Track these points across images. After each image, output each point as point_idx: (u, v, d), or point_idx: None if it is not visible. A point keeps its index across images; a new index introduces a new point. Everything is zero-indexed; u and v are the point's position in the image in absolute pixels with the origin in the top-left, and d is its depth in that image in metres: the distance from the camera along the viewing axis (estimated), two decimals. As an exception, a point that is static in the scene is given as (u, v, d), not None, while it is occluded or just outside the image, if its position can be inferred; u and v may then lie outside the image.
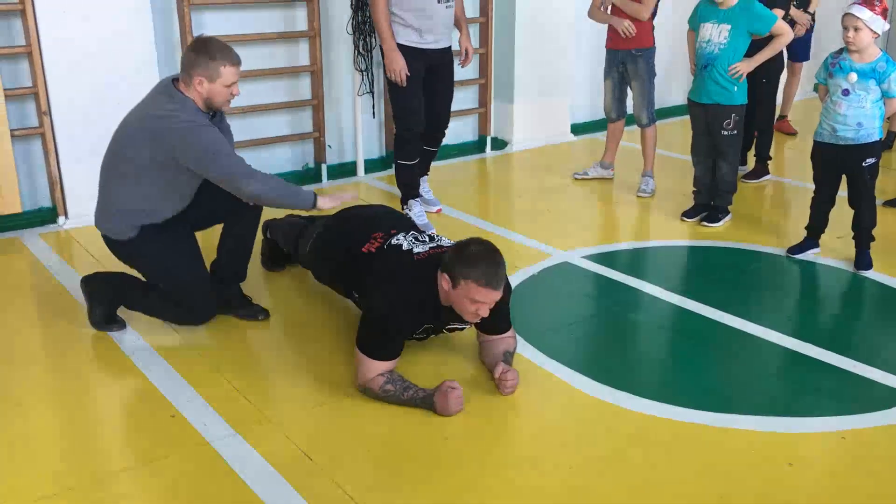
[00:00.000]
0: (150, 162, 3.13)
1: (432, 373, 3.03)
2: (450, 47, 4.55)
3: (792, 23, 6.08)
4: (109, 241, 3.34)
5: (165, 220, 3.27)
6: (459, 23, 4.62)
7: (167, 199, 3.24)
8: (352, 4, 5.27)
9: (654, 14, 5.05)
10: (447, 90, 4.65)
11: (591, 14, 5.21)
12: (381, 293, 2.94)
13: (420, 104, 4.48)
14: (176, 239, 3.31)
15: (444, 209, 4.87)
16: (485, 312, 2.78)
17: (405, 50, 4.33)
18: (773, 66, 5.00)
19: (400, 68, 4.29)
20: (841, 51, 3.95)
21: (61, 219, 4.64)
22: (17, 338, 3.41)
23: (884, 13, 3.83)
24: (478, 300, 2.74)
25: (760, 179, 5.54)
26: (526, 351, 3.25)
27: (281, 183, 3.23)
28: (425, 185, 4.89)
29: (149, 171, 3.16)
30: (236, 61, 3.16)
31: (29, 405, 2.92)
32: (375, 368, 2.86)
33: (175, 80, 3.19)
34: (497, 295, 2.77)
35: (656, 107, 5.27)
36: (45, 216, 4.68)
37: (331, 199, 3.31)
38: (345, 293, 3.37)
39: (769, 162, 5.59)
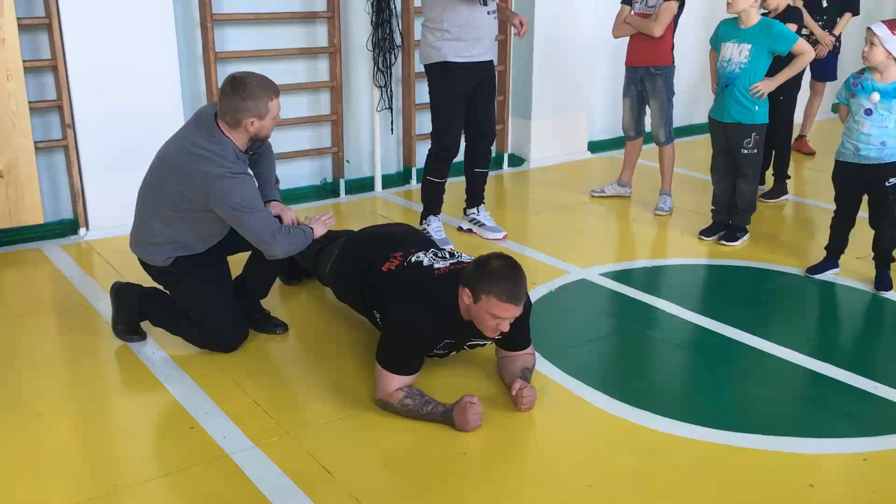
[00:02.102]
0: (184, 202, 3.14)
1: (451, 388, 3.03)
2: (492, 60, 4.52)
3: (815, 42, 6.10)
4: (144, 264, 3.37)
5: (199, 252, 3.29)
6: (501, 8, 4.53)
7: (200, 236, 3.26)
8: (371, 21, 5.31)
9: (673, 33, 5.06)
10: (490, 103, 4.59)
11: (616, 32, 5.21)
12: (402, 308, 2.95)
13: (461, 122, 4.47)
14: (208, 269, 3.32)
15: (461, 225, 4.87)
16: (505, 327, 2.79)
17: (459, 67, 4.30)
18: (791, 84, 4.99)
19: None
20: (863, 71, 3.95)
21: (82, 230, 4.69)
22: (38, 348, 3.44)
23: (907, 37, 3.82)
24: (498, 315, 2.74)
25: (779, 199, 5.52)
26: (544, 367, 3.25)
27: (299, 238, 3.27)
28: (483, 213, 4.80)
29: (183, 210, 3.17)
30: (278, 91, 3.17)
31: (50, 415, 2.94)
32: (395, 383, 2.87)
33: (216, 113, 3.17)
34: (518, 310, 2.77)
35: (679, 125, 5.26)
36: (67, 228, 4.73)
37: (319, 224, 3.39)
38: (366, 313, 3.37)
39: (788, 181, 5.58)
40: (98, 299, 3.85)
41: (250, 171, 3.22)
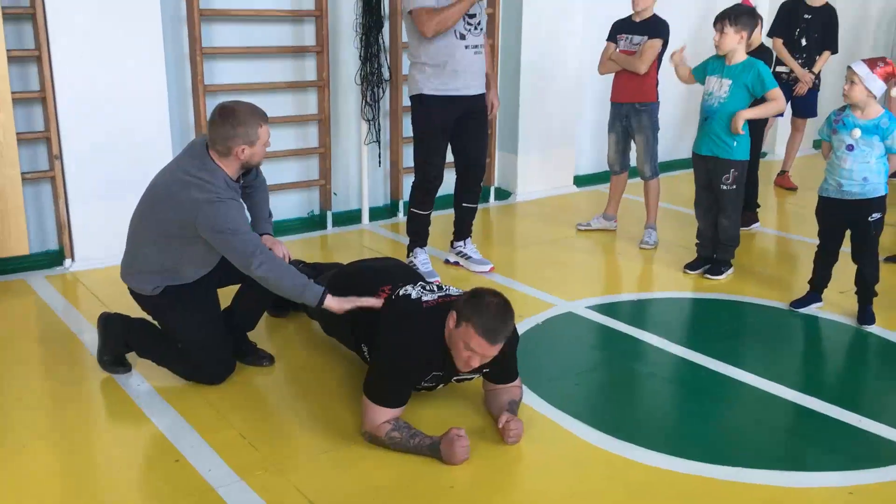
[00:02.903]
0: (175, 228, 3.15)
1: (438, 421, 3.02)
2: (482, 95, 4.54)
3: (795, 79, 6.22)
4: (134, 293, 3.36)
5: (189, 282, 3.28)
6: (488, 77, 4.62)
7: (190, 264, 3.26)
8: (360, 56, 5.37)
9: (657, 70, 5.14)
10: (481, 137, 4.61)
11: (601, 69, 5.29)
12: (389, 340, 2.95)
13: (443, 156, 4.50)
14: (197, 300, 3.31)
15: (447, 258, 4.89)
16: (475, 363, 2.78)
17: (433, 100, 4.35)
18: (758, 120, 5.09)
19: None
20: (844, 108, 4.02)
21: (68, 261, 4.67)
22: (21, 379, 3.41)
23: (886, 76, 3.89)
24: (472, 347, 2.73)
25: (750, 227, 5.60)
26: (531, 400, 3.25)
27: (292, 272, 3.17)
28: (470, 246, 4.81)
29: (173, 237, 3.17)
30: (266, 118, 3.19)
31: (34, 448, 2.91)
32: (382, 415, 2.86)
33: (207, 143, 3.19)
34: (492, 350, 2.76)
35: (664, 160, 5.33)
36: (52, 259, 4.71)
37: (342, 301, 3.15)
38: (354, 347, 3.37)
39: (758, 210, 5.68)
40: (83, 331, 3.83)
41: (240, 199, 3.23)
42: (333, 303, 3.14)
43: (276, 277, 3.13)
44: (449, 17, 4.23)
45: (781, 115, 6.28)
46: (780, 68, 6.24)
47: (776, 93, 4.46)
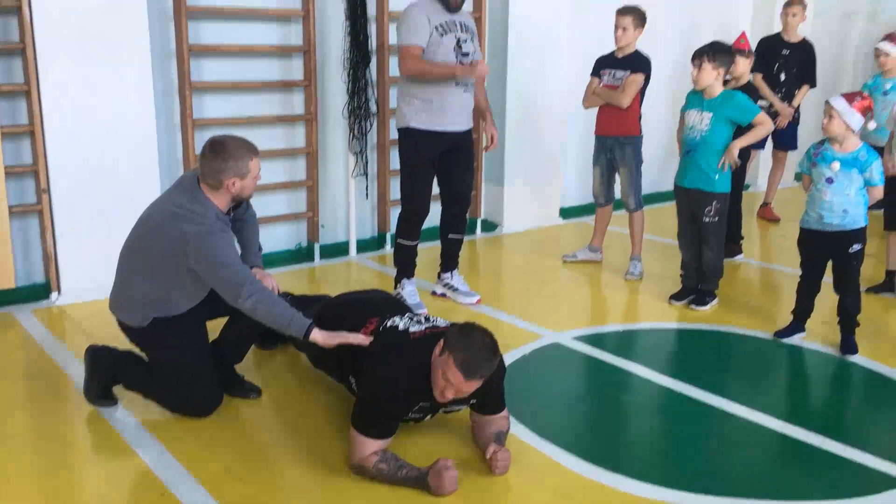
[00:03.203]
0: (165, 260, 3.16)
1: (426, 452, 3.01)
2: (469, 130, 4.60)
3: (775, 113, 6.33)
4: (122, 325, 3.36)
5: (178, 314, 3.29)
6: (483, 111, 4.70)
7: (180, 296, 3.27)
8: (348, 90, 5.43)
9: (640, 104, 5.22)
10: (467, 171, 4.68)
11: (585, 103, 5.37)
12: (377, 371, 2.96)
13: (429, 188, 4.55)
14: (186, 332, 3.31)
15: (434, 289, 4.91)
16: (449, 395, 2.78)
17: (419, 133, 4.40)
18: (742, 152, 5.17)
19: (481, 70, 4.34)
20: (823, 141, 4.10)
21: (54, 294, 4.66)
22: (6, 412, 3.38)
23: (863, 110, 3.98)
24: (448, 378, 2.74)
25: (734, 259, 5.65)
26: (518, 430, 3.26)
27: (280, 304, 3.16)
28: (457, 277, 4.85)
29: (163, 269, 3.19)
30: (257, 152, 3.23)
31: (18, 481, 2.89)
32: (370, 447, 2.86)
33: (199, 177, 3.21)
34: (468, 385, 2.76)
35: (648, 192, 5.40)
36: (38, 292, 4.69)
37: (329, 335, 3.12)
38: (342, 379, 3.37)
39: (741, 241, 5.76)
40: (69, 364, 3.82)
41: (230, 232, 3.25)
42: (319, 336, 3.13)
43: (265, 310, 3.13)
44: (430, 74, 4.32)
45: (762, 146, 6.41)
46: (760, 102, 6.33)
47: (762, 117, 4.55)
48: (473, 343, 2.75)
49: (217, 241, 3.11)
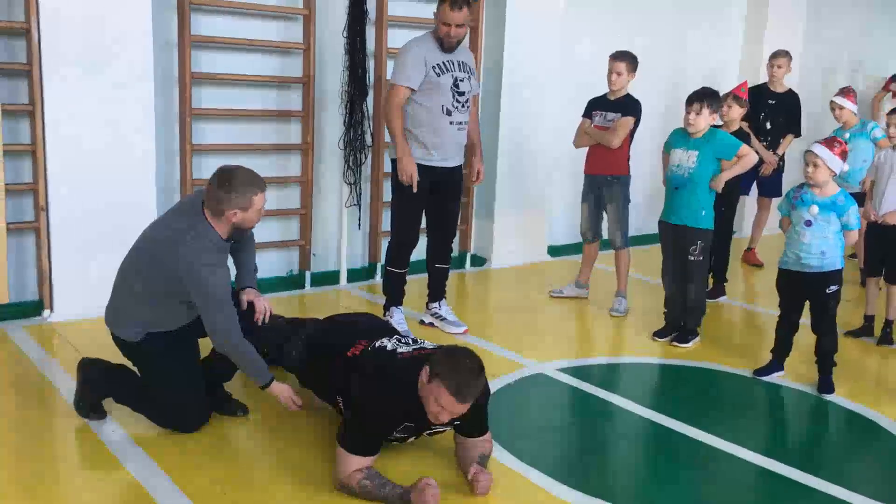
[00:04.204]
0: (161, 281, 3.25)
1: (409, 472, 3.07)
2: (459, 166, 4.74)
3: (760, 161, 6.49)
4: (116, 339, 3.43)
5: (171, 329, 3.37)
6: (474, 146, 4.86)
7: (174, 315, 3.35)
8: (344, 122, 5.56)
9: (629, 145, 5.37)
10: (453, 205, 4.81)
11: (576, 142, 5.51)
12: (364, 389, 3.03)
13: (418, 218, 4.67)
14: (177, 349, 3.39)
15: (423, 319, 4.99)
16: (444, 419, 2.86)
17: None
18: (733, 196, 5.32)
19: (412, 172, 4.45)
20: (802, 185, 4.24)
21: (46, 312, 4.71)
22: (-4, 424, 3.43)
23: (842, 155, 4.13)
24: (442, 404, 2.81)
25: (717, 300, 5.77)
26: (500, 455, 3.32)
27: (251, 355, 3.31)
28: (445, 307, 4.93)
29: (159, 289, 3.27)
30: (264, 187, 3.30)
31: (6, 492, 2.92)
32: (354, 464, 2.92)
33: (202, 201, 3.29)
34: (461, 408, 2.84)
35: (635, 234, 5.51)
36: (30, 309, 4.74)
37: (284, 395, 3.38)
38: (329, 399, 3.44)
39: (725, 284, 5.88)
40: (59, 379, 3.87)
41: (227, 265, 3.32)
42: (276, 389, 3.38)
43: (236, 356, 3.31)
44: (391, 131, 4.52)
45: (748, 190, 6.57)
46: None
47: (745, 149, 4.71)
48: (461, 366, 2.83)
49: (211, 275, 3.17)
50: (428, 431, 3.17)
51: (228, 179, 3.22)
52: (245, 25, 5.27)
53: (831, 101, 6.19)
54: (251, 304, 3.47)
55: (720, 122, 5.19)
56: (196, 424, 3.39)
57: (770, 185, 6.81)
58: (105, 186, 4.67)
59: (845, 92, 6.19)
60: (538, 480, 3.17)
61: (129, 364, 3.48)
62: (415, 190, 4.49)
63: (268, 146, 5.46)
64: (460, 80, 4.52)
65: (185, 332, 3.40)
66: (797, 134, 6.72)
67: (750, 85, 6.95)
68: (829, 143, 4.16)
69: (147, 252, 3.31)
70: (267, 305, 3.51)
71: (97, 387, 3.41)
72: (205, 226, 3.24)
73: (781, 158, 6.70)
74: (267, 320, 3.51)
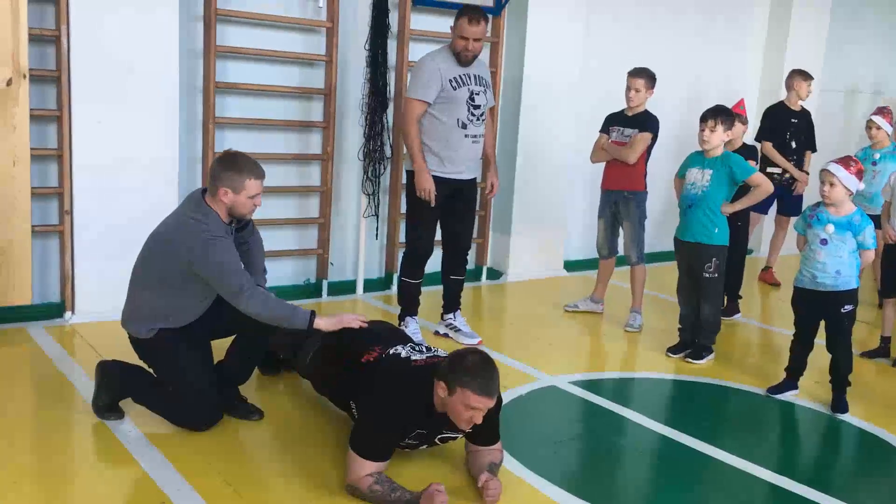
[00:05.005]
0: (171, 268, 3.34)
1: (420, 479, 3.09)
2: (474, 179, 4.80)
3: (793, 180, 6.53)
4: (131, 339, 3.51)
5: (185, 325, 3.43)
6: (489, 159, 4.92)
7: (185, 306, 3.42)
8: (364, 133, 5.63)
9: (646, 162, 5.39)
10: (468, 217, 4.88)
11: (593, 158, 5.55)
12: (377, 395, 3.07)
13: (433, 229, 4.72)
14: (190, 346, 3.46)
15: (437, 329, 5.03)
16: (478, 419, 2.91)
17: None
18: (747, 212, 5.33)
19: (429, 188, 4.51)
20: (818, 204, 4.24)
21: (68, 314, 4.79)
22: (16, 422, 3.50)
23: (858, 174, 4.14)
24: (473, 406, 2.87)
25: (732, 317, 5.76)
26: (511, 465, 3.34)
27: (280, 303, 3.38)
28: (460, 318, 4.98)
29: (170, 279, 3.36)
30: (260, 175, 3.40)
31: (25, 485, 2.99)
32: (366, 468, 2.95)
33: (205, 190, 3.44)
34: (491, 402, 2.90)
35: (651, 251, 5.52)
36: (52, 311, 4.83)
37: (329, 320, 3.42)
38: (343, 405, 3.48)
39: (739, 301, 5.87)
40: (78, 379, 3.94)
41: (230, 238, 3.40)
42: (322, 323, 3.38)
43: (268, 309, 3.34)
44: (408, 147, 4.58)
45: (766, 210, 6.57)
46: (770, 169, 6.51)
47: (757, 177, 4.72)
48: (475, 365, 2.90)
49: (219, 246, 3.28)
50: (439, 437, 3.20)
51: (228, 159, 3.39)
52: (269, 37, 5.36)
53: (869, 120, 6.13)
54: None
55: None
56: (206, 423, 3.45)
57: (791, 204, 6.79)
58: (128, 192, 4.76)
59: (884, 112, 6.13)
60: (547, 490, 3.19)
61: (145, 366, 3.54)
62: (432, 204, 4.54)
63: (289, 156, 5.54)
64: (476, 94, 4.57)
65: (196, 331, 3.47)
66: (814, 150, 6.75)
67: (767, 105, 6.98)
68: (845, 161, 4.17)
69: (156, 243, 3.42)
70: None
71: (114, 386, 3.48)
72: (205, 209, 3.35)
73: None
74: None
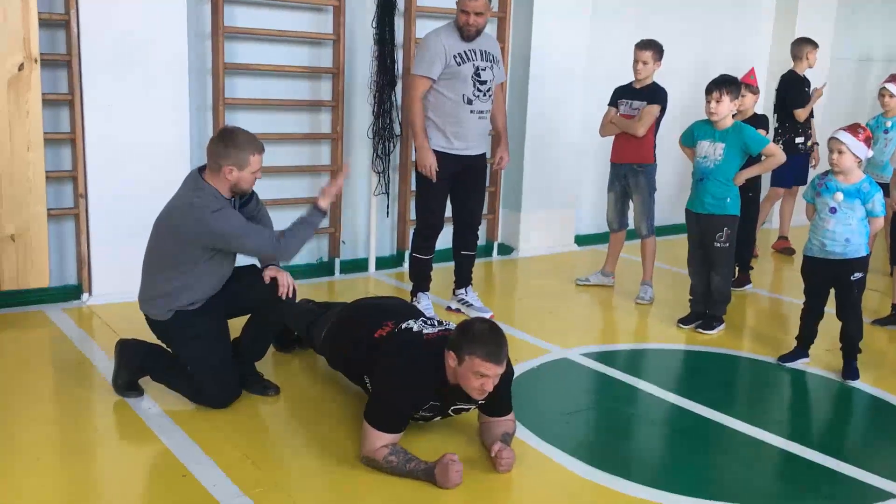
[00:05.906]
0: (181, 246, 3.40)
1: (434, 450, 3.14)
2: (483, 154, 4.82)
3: (811, 148, 6.50)
4: (148, 320, 3.58)
5: (201, 305, 3.49)
6: (499, 134, 4.95)
7: (199, 281, 3.47)
8: (373, 112, 5.65)
9: (655, 134, 5.39)
10: (477, 192, 4.91)
11: (602, 131, 5.55)
12: (390, 368, 3.12)
13: (442, 205, 4.76)
14: (207, 325, 3.51)
15: (449, 305, 5.07)
16: (489, 387, 2.95)
17: (435, 154, 4.60)
18: (758, 183, 5.32)
19: (430, 164, 4.55)
20: (827, 173, 4.24)
21: (85, 295, 4.87)
22: (38, 401, 3.57)
23: (867, 141, 4.13)
24: (483, 373, 2.91)
25: (743, 288, 5.77)
26: (523, 435, 3.39)
27: (298, 228, 3.53)
28: (471, 294, 5.02)
29: (181, 255, 3.42)
30: (262, 149, 3.46)
31: (47, 461, 3.07)
32: (381, 440, 3.01)
33: (202, 168, 3.48)
34: (501, 369, 2.95)
35: (661, 224, 5.53)
36: (70, 293, 4.90)
37: (326, 199, 3.61)
38: (357, 380, 3.53)
39: (751, 272, 5.89)
40: (97, 358, 4.01)
41: (229, 206, 3.45)
42: (324, 204, 3.59)
43: (299, 240, 3.53)
44: (412, 125, 4.62)
45: (789, 184, 6.56)
46: (798, 139, 6.49)
47: (772, 147, 4.73)
48: (482, 333, 2.95)
49: (226, 214, 3.35)
50: (453, 409, 3.25)
51: (229, 136, 3.43)
52: (277, 16, 5.37)
53: (882, 88, 6.10)
54: (274, 280, 3.57)
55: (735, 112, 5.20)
56: (226, 400, 3.51)
57: (797, 172, 6.76)
58: (141, 174, 4.80)
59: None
60: (560, 459, 3.24)
61: (163, 346, 3.61)
62: (434, 180, 4.56)
63: (298, 135, 5.57)
64: (482, 69, 4.58)
65: (213, 312, 3.52)
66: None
67: (778, 74, 6.94)
68: (853, 129, 4.16)
69: (162, 225, 3.48)
70: (290, 280, 3.60)
71: (134, 365, 3.55)
72: (204, 185, 3.41)
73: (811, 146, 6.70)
74: (291, 295, 3.59)
